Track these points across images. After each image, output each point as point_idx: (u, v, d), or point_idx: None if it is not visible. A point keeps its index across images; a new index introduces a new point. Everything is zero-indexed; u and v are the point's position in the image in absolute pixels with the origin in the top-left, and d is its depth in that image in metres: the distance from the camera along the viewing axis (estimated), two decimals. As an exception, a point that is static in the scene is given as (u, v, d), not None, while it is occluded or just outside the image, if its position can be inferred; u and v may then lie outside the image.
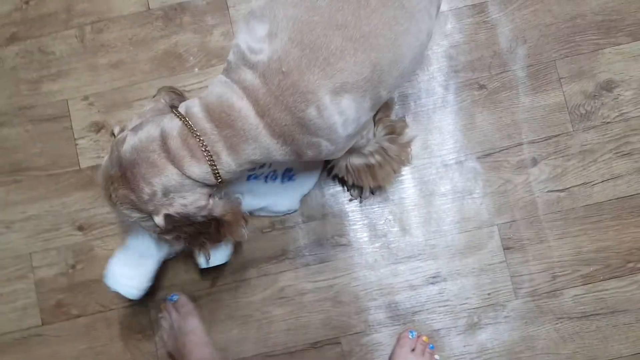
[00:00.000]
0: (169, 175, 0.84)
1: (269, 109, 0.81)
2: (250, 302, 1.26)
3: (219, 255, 1.14)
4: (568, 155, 1.25)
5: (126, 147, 0.85)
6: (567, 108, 1.26)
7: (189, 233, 0.93)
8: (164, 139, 0.83)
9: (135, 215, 0.88)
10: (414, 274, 1.24)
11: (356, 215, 1.26)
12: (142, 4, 1.33)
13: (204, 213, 0.89)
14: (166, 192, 0.85)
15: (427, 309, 1.24)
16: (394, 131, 1.11)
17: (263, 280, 1.26)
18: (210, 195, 0.89)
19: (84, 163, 1.30)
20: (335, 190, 1.26)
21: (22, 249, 1.29)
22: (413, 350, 1.18)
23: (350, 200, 1.25)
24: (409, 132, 1.18)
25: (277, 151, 0.86)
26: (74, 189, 1.30)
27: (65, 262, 1.28)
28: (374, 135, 1.07)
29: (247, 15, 0.87)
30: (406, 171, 1.26)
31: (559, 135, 1.26)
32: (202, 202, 0.87)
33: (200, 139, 0.83)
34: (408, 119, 1.26)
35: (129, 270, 1.12)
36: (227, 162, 0.85)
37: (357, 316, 1.24)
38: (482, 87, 1.27)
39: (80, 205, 1.30)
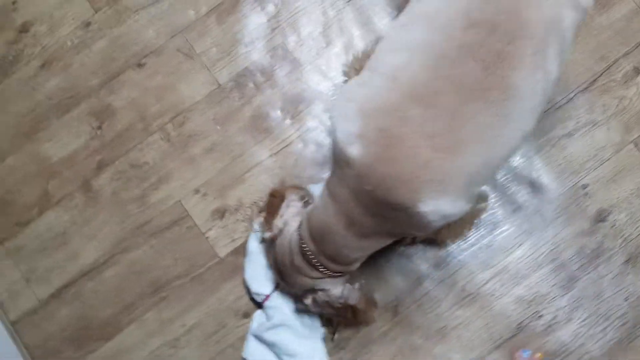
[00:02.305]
0: (301, 278, 1.03)
1: (359, 221, 0.89)
2: (438, 315, 1.23)
3: None
4: (661, 51, 1.28)
5: (277, 250, 1.06)
6: (640, 11, 1.29)
7: (328, 316, 1.15)
8: (291, 254, 1.01)
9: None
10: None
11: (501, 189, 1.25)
12: (211, 83, 1.33)
13: (340, 301, 1.05)
14: (307, 285, 1.04)
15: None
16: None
17: (441, 288, 1.23)
18: (345, 286, 1.04)
19: (222, 252, 1.27)
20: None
21: (199, 361, 1.24)
22: None
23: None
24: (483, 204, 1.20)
25: (374, 245, 0.97)
26: (222, 280, 1.27)
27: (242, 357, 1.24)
28: None
29: (339, 113, 0.87)
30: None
31: (645, 38, 1.28)
32: (337, 292, 1.04)
33: (309, 256, 0.99)
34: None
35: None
36: (333, 267, 0.99)
37: (545, 282, 1.22)
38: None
39: (236, 294, 1.26)
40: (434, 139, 0.79)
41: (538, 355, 1.18)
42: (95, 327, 1.28)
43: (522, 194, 1.25)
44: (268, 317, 1.18)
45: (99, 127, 1.33)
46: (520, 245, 1.24)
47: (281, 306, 1.17)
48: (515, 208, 1.24)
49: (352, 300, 1.06)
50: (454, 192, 0.83)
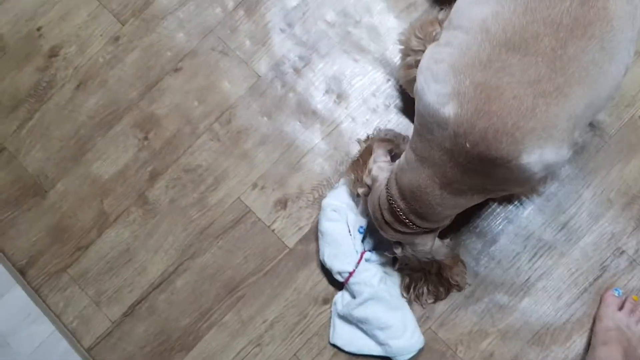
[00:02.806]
0: (391, 232, 1.02)
1: (456, 179, 0.87)
2: (519, 269, 1.21)
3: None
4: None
5: (368, 206, 1.07)
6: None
7: (413, 268, 1.12)
8: (381, 210, 1.01)
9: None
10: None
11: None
12: (251, 76, 1.32)
13: (428, 256, 1.04)
14: (396, 238, 1.03)
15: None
16: None
17: (518, 242, 1.22)
18: (433, 242, 1.02)
19: (291, 241, 1.26)
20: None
21: (286, 355, 1.22)
22: (621, 308, 1.15)
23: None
24: None
25: (467, 203, 0.93)
26: (296, 270, 1.25)
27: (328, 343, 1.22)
28: None
29: (427, 75, 0.85)
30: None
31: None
32: (427, 247, 1.02)
33: (398, 213, 0.97)
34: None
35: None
36: (424, 224, 0.97)
37: (621, 218, 1.21)
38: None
39: (312, 281, 1.24)
40: (536, 85, 0.77)
41: (633, 297, 1.16)
42: (175, 338, 1.25)
43: (580, 134, 1.24)
44: (356, 294, 1.16)
45: (146, 138, 1.31)
46: (588, 186, 1.22)
47: (368, 279, 1.15)
48: (577, 149, 1.23)
49: (440, 256, 1.06)
50: (559, 138, 0.81)
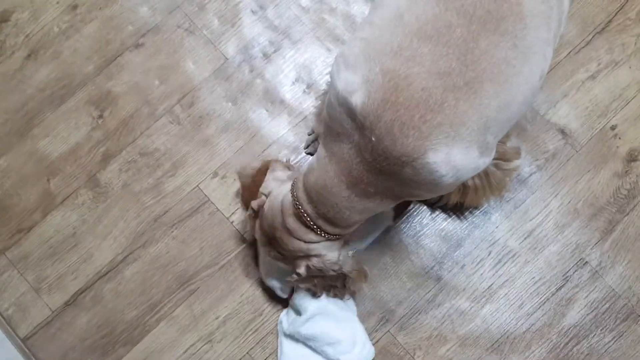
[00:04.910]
0: (294, 241, 0.93)
1: (362, 179, 0.82)
2: (482, 275, 1.19)
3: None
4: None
5: (266, 215, 0.96)
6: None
7: (320, 285, 1.03)
8: (283, 216, 0.92)
9: (284, 265, 1.00)
10: None
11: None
12: (217, 58, 1.25)
13: (335, 267, 0.96)
14: (301, 250, 0.94)
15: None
16: (503, 157, 1.05)
17: (482, 247, 1.19)
18: (340, 252, 0.97)
19: (250, 235, 1.19)
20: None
21: (239, 353, 1.16)
22: None
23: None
24: (517, 162, 1.10)
25: (376, 207, 0.88)
26: (254, 266, 1.19)
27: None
28: None
29: (339, 60, 0.81)
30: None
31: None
32: (333, 257, 0.95)
33: (305, 218, 0.90)
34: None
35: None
36: (332, 230, 0.92)
37: (586, 229, 1.20)
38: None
39: (270, 278, 1.19)
40: (446, 78, 0.73)
41: None
42: (120, 331, 1.18)
43: (552, 142, 1.22)
44: (302, 310, 1.10)
45: (100, 116, 1.23)
46: (557, 194, 1.21)
47: (312, 294, 1.09)
48: (548, 157, 1.21)
49: (348, 267, 0.99)
50: (467, 138, 0.76)
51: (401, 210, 1.20)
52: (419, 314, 1.17)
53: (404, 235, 1.20)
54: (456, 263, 1.19)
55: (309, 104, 1.24)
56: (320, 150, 0.88)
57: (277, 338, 1.16)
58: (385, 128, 0.75)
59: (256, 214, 0.99)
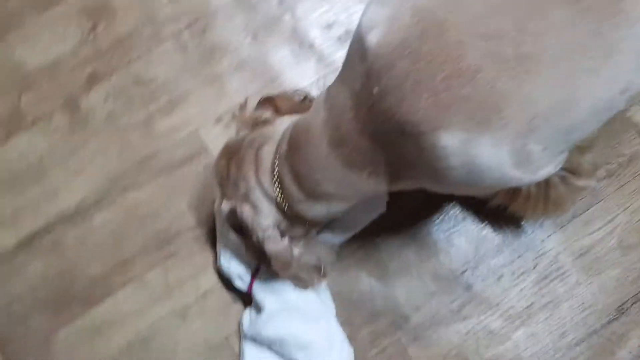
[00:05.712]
0: (250, 173, 0.78)
1: (349, 140, 0.67)
2: (522, 291, 0.99)
3: None
4: None
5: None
6: None
7: (252, 249, 0.84)
8: (264, 140, 0.79)
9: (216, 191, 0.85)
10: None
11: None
12: (243, -21, 1.05)
13: (260, 237, 0.79)
14: (244, 187, 0.79)
15: None
16: (574, 170, 0.82)
17: (527, 258, 1.00)
18: (283, 225, 0.80)
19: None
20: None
21: (215, 335, 0.98)
22: None
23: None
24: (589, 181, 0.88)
25: (358, 184, 0.72)
26: (249, 236, 1.00)
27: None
28: None
29: None
30: None
31: None
32: (264, 223, 0.79)
33: (275, 156, 0.76)
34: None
35: None
36: (291, 189, 0.76)
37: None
38: None
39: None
40: (492, 41, 0.55)
41: None
42: (79, 287, 1.00)
43: (630, 145, 1.02)
44: (262, 305, 0.91)
45: (93, 30, 1.07)
46: (626, 208, 1.00)
47: (276, 284, 0.90)
48: (622, 162, 1.02)
49: (327, 263, 0.87)
50: (500, 132, 0.57)
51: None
52: (439, 325, 0.98)
53: (435, 228, 1.00)
54: (493, 272, 0.99)
55: (342, 54, 1.03)
56: (324, 92, 0.74)
57: (239, 342, 0.97)
58: (395, 79, 0.58)
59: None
